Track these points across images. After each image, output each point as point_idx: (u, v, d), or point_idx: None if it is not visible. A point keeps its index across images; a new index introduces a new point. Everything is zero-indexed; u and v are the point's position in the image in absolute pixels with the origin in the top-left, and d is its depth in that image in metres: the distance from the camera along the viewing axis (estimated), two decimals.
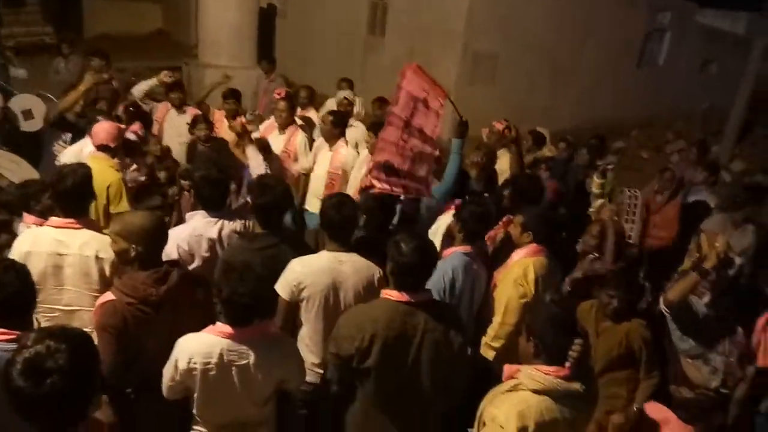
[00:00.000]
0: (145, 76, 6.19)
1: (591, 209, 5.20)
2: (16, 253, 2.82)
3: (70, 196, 2.95)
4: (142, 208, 3.95)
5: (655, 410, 3.01)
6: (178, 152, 5.36)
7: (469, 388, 2.64)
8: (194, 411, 2.44)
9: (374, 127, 4.70)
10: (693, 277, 3.26)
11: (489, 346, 3.33)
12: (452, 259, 3.21)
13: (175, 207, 4.46)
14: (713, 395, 3.33)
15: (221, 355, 2.32)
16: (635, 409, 3.23)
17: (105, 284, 2.84)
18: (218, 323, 2.36)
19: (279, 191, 3.16)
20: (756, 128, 10.08)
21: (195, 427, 2.49)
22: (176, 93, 5.68)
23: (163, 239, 2.70)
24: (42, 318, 2.85)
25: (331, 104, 6.69)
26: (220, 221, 3.32)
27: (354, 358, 2.47)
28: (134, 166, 4.71)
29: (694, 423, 2.86)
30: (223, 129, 5.62)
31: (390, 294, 2.51)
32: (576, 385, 2.25)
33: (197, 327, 2.38)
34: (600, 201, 5.18)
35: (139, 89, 5.79)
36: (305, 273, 2.85)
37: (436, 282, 3.01)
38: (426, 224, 3.86)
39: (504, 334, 3.27)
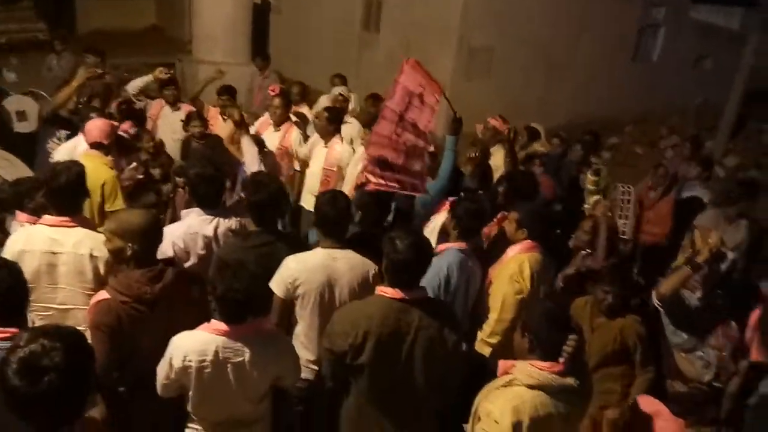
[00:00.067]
0: (138, 73, 6.17)
1: (586, 205, 5.22)
2: (9, 252, 2.81)
3: (64, 194, 2.94)
4: (137, 206, 3.94)
5: (648, 403, 3.03)
6: (173, 149, 5.35)
7: (464, 383, 2.65)
8: (189, 409, 2.44)
9: (370, 124, 4.69)
10: (685, 271, 3.29)
11: (485, 342, 3.34)
12: (447, 255, 3.22)
13: (169, 204, 4.45)
14: (706, 389, 3.35)
15: (216, 353, 2.32)
16: (629, 403, 3.25)
17: (99, 283, 2.83)
18: (213, 321, 2.36)
19: (273, 188, 3.16)
20: (749, 123, 10.12)
21: (190, 425, 2.49)
22: (170, 90, 5.66)
23: (158, 237, 2.70)
24: (36, 317, 2.85)
25: (324, 101, 6.68)
26: (216, 219, 3.32)
27: (347, 354, 2.48)
28: (133, 164, 4.70)
29: (687, 417, 2.88)
30: (218, 126, 5.61)
31: (384, 291, 2.51)
32: (570, 380, 2.27)
33: (192, 325, 2.38)
34: (595, 197, 5.19)
35: (134, 86, 5.77)
36: (300, 270, 2.85)
37: (431, 279, 3.01)
38: (421, 221, 3.86)
39: (500, 330, 3.28)
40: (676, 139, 9.68)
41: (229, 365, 2.34)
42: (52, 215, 2.92)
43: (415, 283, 2.53)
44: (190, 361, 2.30)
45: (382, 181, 3.61)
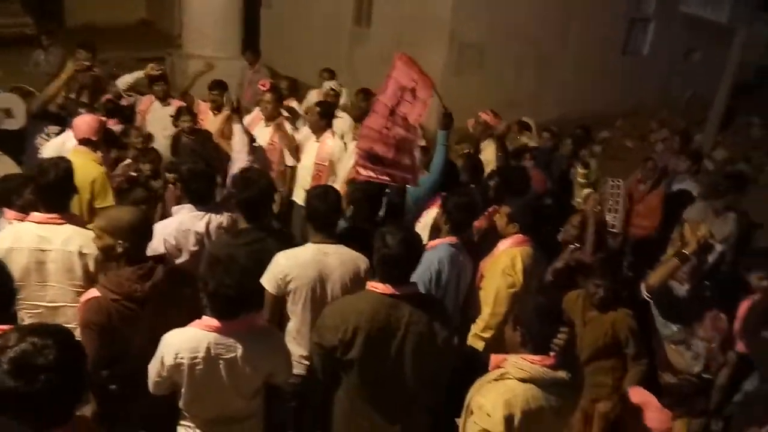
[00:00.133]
0: (128, 67, 6.12)
1: (578, 199, 5.24)
2: None
3: (53, 190, 2.92)
4: (127, 202, 3.92)
5: (637, 394, 3.06)
6: (162, 145, 5.31)
7: (456, 378, 2.66)
8: (181, 406, 2.43)
9: (361, 119, 4.69)
10: (673, 262, 3.32)
11: (479, 336, 3.34)
12: (438, 250, 3.22)
13: (160, 200, 4.42)
14: (695, 380, 3.39)
15: (208, 349, 2.31)
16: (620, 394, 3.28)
17: (89, 280, 2.82)
18: (205, 317, 2.35)
19: (263, 184, 3.14)
20: (738, 117, 10.19)
21: (182, 422, 2.49)
22: (160, 85, 5.62)
23: (149, 234, 2.68)
24: (25, 315, 2.83)
25: (314, 95, 6.65)
26: (207, 215, 3.31)
27: (337, 349, 2.48)
28: (127, 161, 4.68)
29: (677, 408, 2.91)
30: (208, 120, 5.57)
31: (375, 286, 2.51)
32: (562, 374, 2.28)
33: (183, 323, 2.37)
34: (586, 191, 5.21)
35: (124, 81, 5.72)
36: (291, 266, 2.84)
37: (422, 273, 3.02)
38: (413, 216, 3.87)
39: (494, 324, 3.29)
40: (666, 133, 9.73)
41: (221, 361, 2.33)
42: (40, 212, 2.89)
43: (406, 278, 2.53)
44: (181, 358, 2.29)
45: (373, 174, 3.61)
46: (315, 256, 2.89)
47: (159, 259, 2.68)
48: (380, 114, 3.70)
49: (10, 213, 3.14)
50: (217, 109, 5.58)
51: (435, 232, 3.57)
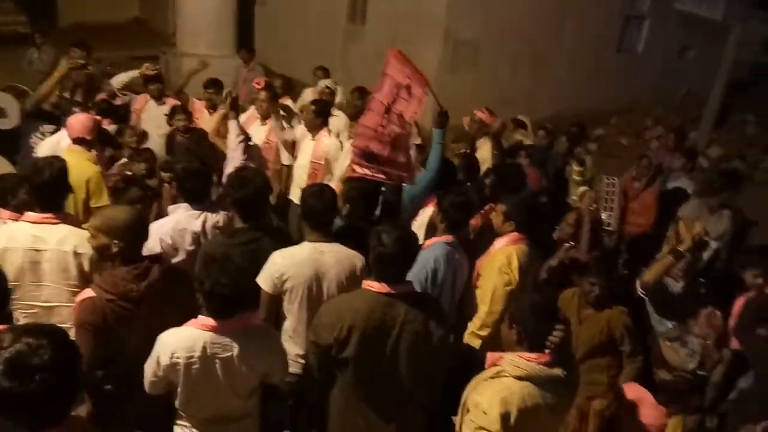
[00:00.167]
0: (122, 66, 6.09)
1: (573, 197, 5.25)
2: None
3: (47, 190, 2.91)
4: (123, 202, 3.91)
5: (632, 390, 3.07)
6: (158, 143, 5.29)
7: (453, 376, 2.66)
8: (177, 405, 2.43)
9: (356, 117, 4.68)
10: (668, 259, 3.34)
11: (475, 334, 3.35)
12: (434, 249, 3.22)
13: (155, 200, 4.41)
14: (690, 377, 3.40)
15: (204, 348, 2.31)
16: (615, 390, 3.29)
17: (84, 280, 2.81)
18: (201, 316, 2.34)
19: (258, 183, 3.13)
20: (733, 114, 10.22)
21: (179, 422, 2.48)
22: (155, 84, 5.60)
23: (144, 234, 2.67)
24: (20, 315, 2.82)
25: (308, 94, 6.64)
26: (204, 214, 3.30)
27: (333, 347, 2.48)
28: (123, 160, 4.66)
29: (672, 405, 2.93)
30: (203, 119, 5.56)
31: (371, 285, 2.51)
32: (557, 371, 2.29)
33: (179, 322, 2.36)
34: (582, 189, 5.22)
35: (119, 80, 5.70)
36: (287, 265, 2.84)
37: (418, 272, 3.02)
38: (410, 215, 3.87)
39: (491, 322, 3.30)
40: (661, 130, 9.75)
41: (217, 360, 2.33)
42: (35, 212, 2.88)
43: (402, 277, 2.53)
44: (178, 357, 2.29)
45: (368, 172, 3.61)
46: (311, 255, 2.88)
47: (155, 258, 2.67)
48: (376, 112, 3.70)
49: (4, 213, 3.12)
50: (212, 107, 5.57)
51: (431, 230, 3.57)
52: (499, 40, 9.11)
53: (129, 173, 4.48)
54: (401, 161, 3.73)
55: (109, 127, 4.76)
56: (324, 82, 6.39)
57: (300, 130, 5.34)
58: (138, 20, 13.92)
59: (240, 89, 7.68)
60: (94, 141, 3.98)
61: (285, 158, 5.38)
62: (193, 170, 3.33)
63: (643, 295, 3.45)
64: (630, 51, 10.82)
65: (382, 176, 3.66)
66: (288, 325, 2.95)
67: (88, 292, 2.47)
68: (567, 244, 4.00)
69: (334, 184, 4.17)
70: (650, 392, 3.01)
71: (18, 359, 1.50)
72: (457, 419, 2.43)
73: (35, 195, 2.92)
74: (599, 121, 10.06)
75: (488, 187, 4.30)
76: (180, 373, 2.32)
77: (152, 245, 3.02)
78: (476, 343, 3.34)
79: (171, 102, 5.57)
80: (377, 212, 3.74)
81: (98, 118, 4.35)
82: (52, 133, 4.50)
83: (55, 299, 2.86)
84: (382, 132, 3.68)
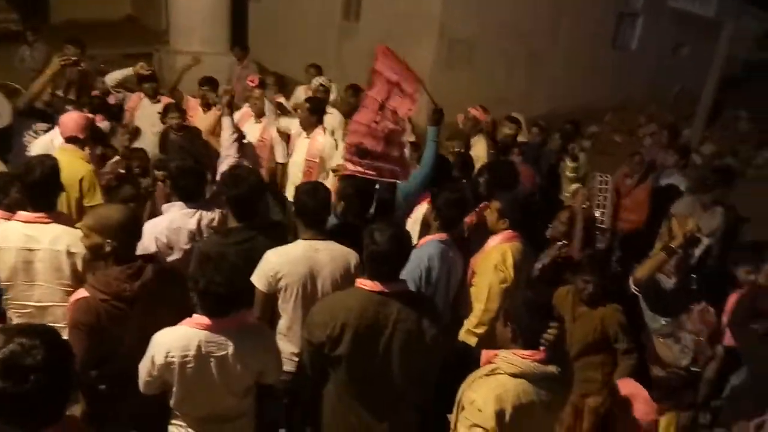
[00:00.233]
0: (115, 63, 6.06)
1: (566, 194, 5.26)
2: None
3: (39, 189, 2.89)
4: (116, 200, 3.89)
5: (627, 386, 3.09)
6: (151, 142, 5.28)
7: (448, 374, 2.67)
8: (172, 405, 2.43)
9: (350, 115, 4.67)
10: (660, 255, 3.35)
11: (471, 332, 3.35)
12: (428, 247, 3.22)
13: (149, 198, 4.40)
14: (684, 374, 3.42)
15: (199, 347, 2.30)
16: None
17: (77, 279, 2.80)
18: (195, 315, 2.34)
19: (252, 182, 3.13)
20: (726, 111, 10.26)
21: (173, 421, 2.48)
22: (149, 83, 5.58)
23: (137, 233, 2.66)
24: (14, 315, 2.81)
25: (301, 91, 6.63)
26: (198, 212, 3.29)
27: (325, 345, 2.48)
28: (116, 158, 4.64)
29: (665, 401, 2.94)
30: (197, 117, 5.54)
31: (364, 284, 2.51)
32: (552, 368, 2.30)
33: (173, 322, 2.36)
34: (575, 186, 5.24)
35: (113, 78, 5.67)
36: (281, 263, 2.84)
37: (412, 270, 3.02)
38: (404, 213, 3.86)
39: (487, 319, 3.29)
40: (654, 127, 9.79)
41: (212, 359, 2.33)
42: (27, 211, 2.87)
43: (395, 275, 2.53)
44: (172, 356, 2.29)
45: (360, 169, 3.61)
46: (305, 253, 2.88)
47: (148, 258, 2.67)
48: (370, 108, 3.70)
49: None
50: (206, 105, 5.56)
51: (425, 228, 3.57)
52: (494, 38, 9.12)
53: (122, 171, 4.47)
54: (395, 155, 3.73)
55: (102, 123, 4.73)
56: (317, 80, 6.37)
57: (295, 127, 5.33)
58: (130, 17, 13.85)
59: (234, 87, 7.66)
60: (86, 139, 3.96)
61: (279, 156, 5.37)
62: (186, 168, 3.32)
63: (636, 292, 3.46)
64: (624, 48, 10.86)
65: (373, 172, 3.66)
66: (282, 323, 2.94)
67: (82, 292, 2.46)
68: (560, 243, 4.01)
69: (329, 182, 4.17)
70: (646, 389, 3.03)
71: (11, 360, 1.50)
72: (452, 417, 2.43)
73: (27, 194, 2.90)
74: (593, 119, 10.09)
75: (482, 184, 4.30)
76: (175, 372, 2.31)
77: (147, 244, 3.02)
78: (472, 341, 3.34)
79: (165, 100, 5.55)
80: (372, 210, 3.74)
81: (91, 116, 4.32)
82: (45, 131, 4.47)
83: (48, 299, 2.85)
84: (376, 128, 3.68)
